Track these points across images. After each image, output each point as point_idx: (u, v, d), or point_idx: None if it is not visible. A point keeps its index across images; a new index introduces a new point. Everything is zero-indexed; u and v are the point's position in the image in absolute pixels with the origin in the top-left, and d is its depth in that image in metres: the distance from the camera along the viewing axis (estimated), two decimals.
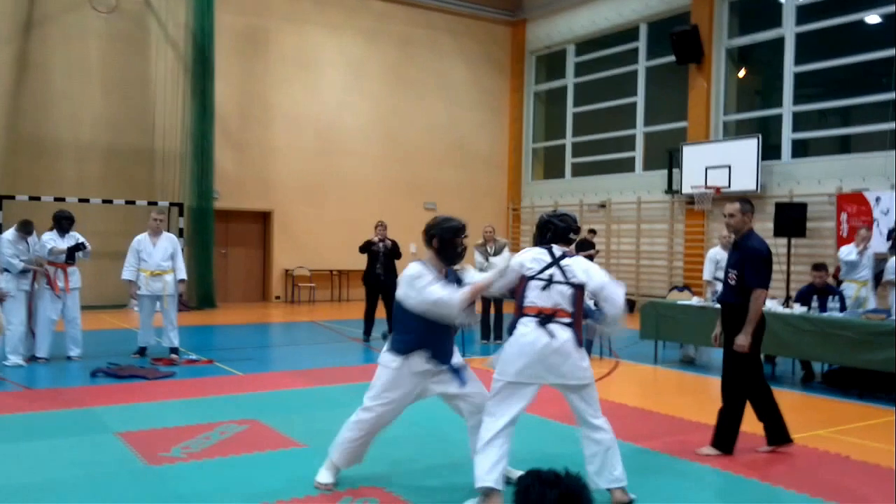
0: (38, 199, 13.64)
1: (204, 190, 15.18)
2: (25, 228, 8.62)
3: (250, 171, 16.32)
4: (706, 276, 9.90)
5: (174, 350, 9.05)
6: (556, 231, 4.47)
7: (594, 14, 17.86)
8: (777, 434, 5.54)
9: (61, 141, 14.41)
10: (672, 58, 15.47)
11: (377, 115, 17.96)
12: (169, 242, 9.21)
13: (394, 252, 11.15)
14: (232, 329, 12.75)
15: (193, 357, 9.10)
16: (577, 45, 18.59)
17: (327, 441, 4.71)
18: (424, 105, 18.56)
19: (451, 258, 4.46)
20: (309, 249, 16.83)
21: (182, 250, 9.59)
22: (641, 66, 16.94)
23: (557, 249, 4.41)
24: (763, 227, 13.60)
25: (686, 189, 15.01)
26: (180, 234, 14.52)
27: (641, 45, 16.94)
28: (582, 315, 4.37)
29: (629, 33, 17.20)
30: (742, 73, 15.62)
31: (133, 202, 14.62)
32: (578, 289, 4.33)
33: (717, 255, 9.64)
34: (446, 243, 4.41)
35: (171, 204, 14.96)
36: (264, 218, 16.89)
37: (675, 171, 15.47)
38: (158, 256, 9.04)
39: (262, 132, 16.50)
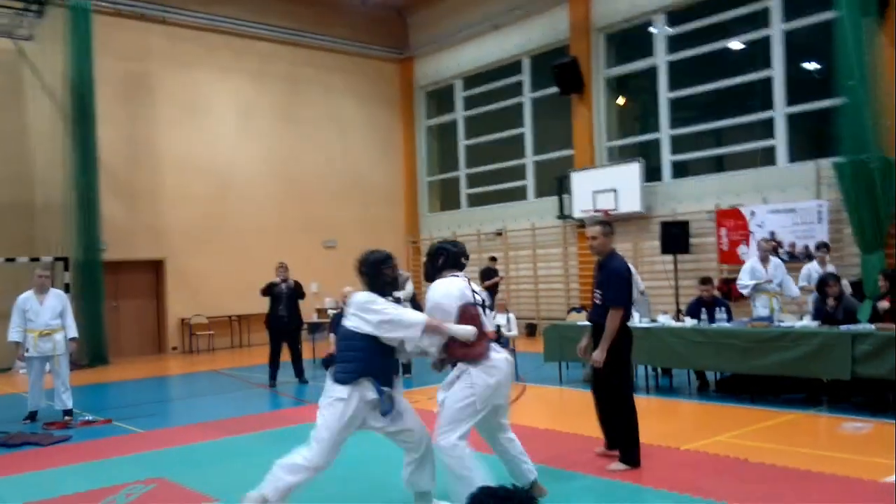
0: None
1: (90, 242, 14.55)
2: None
3: (140, 220, 15.79)
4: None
5: (68, 412, 8.60)
6: (449, 256, 4.63)
7: (478, 50, 18.41)
8: (614, 441, 5.84)
9: None
10: (555, 89, 16.11)
11: (270, 155, 17.79)
12: (57, 300, 8.79)
13: (297, 292, 11.04)
14: (129, 385, 12.21)
15: (90, 418, 8.65)
16: (465, 79, 19.08)
17: (241, 493, 4.61)
18: (318, 143, 18.53)
19: (379, 288, 4.49)
20: (205, 296, 16.36)
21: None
22: (527, 97, 17.55)
23: (461, 275, 4.62)
24: (650, 245, 14.33)
25: (577, 213, 15.57)
26: (67, 289, 13.81)
27: (525, 77, 17.57)
28: None
29: (513, 67, 17.82)
30: (621, 101, 16.43)
31: (14, 259, 13.85)
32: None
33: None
34: (373, 275, 4.49)
35: (56, 258, 14.26)
36: (157, 267, 16.33)
37: (565, 196, 16.04)
38: (46, 315, 8.61)
39: (150, 178, 16.02)
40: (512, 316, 10.54)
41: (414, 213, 20.10)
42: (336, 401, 4.36)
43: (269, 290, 10.99)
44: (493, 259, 16.28)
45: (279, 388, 10.63)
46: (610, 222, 6.05)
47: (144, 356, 15.82)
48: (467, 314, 4.44)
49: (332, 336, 7.33)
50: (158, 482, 5.81)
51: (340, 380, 4.40)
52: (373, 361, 4.37)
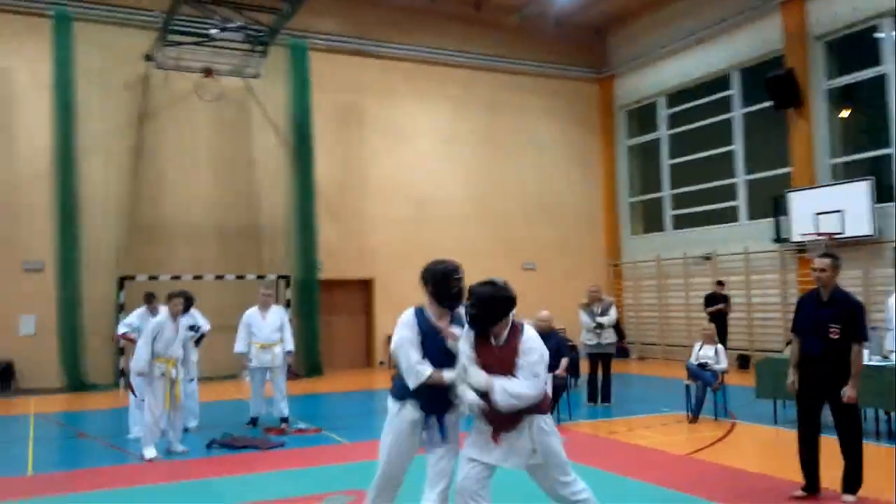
0: (157, 278, 14.42)
1: (308, 262, 15.69)
2: (149, 300, 9.16)
3: (351, 242, 16.78)
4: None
5: (284, 420, 9.25)
6: (509, 305, 4.12)
7: (683, 65, 17.71)
8: (816, 483, 5.76)
9: (175, 223, 15.29)
10: (769, 103, 15.08)
11: (469, 178, 18.22)
12: (277, 315, 9.54)
13: None
14: (338, 396, 12.95)
15: (303, 426, 9.26)
16: (668, 96, 18.42)
17: None
18: (516, 166, 18.71)
19: (444, 300, 4.32)
20: None
21: (290, 321, 9.87)
22: (737, 113, 16.58)
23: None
24: (883, 273, 12.92)
25: (796, 237, 14.39)
26: (287, 305, 14.98)
27: (735, 92, 16.62)
28: None
29: (721, 81, 16.94)
30: (846, 114, 15.03)
31: (243, 277, 15.25)
32: None
33: None
34: (438, 286, 4.29)
35: (279, 276, 15.53)
36: (366, 286, 17.24)
37: (782, 218, 14.89)
38: (268, 329, 9.36)
39: (360, 203, 17.01)
40: (720, 347, 9.85)
41: (615, 235, 19.63)
42: (388, 416, 4.30)
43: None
44: (721, 283, 15.34)
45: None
46: (838, 256, 5.88)
47: (354, 369, 16.71)
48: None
49: None
50: (357, 494, 6.02)
51: (393, 395, 4.33)
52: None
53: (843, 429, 5.66)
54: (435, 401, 4.22)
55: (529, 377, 3.92)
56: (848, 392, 5.52)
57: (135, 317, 9.22)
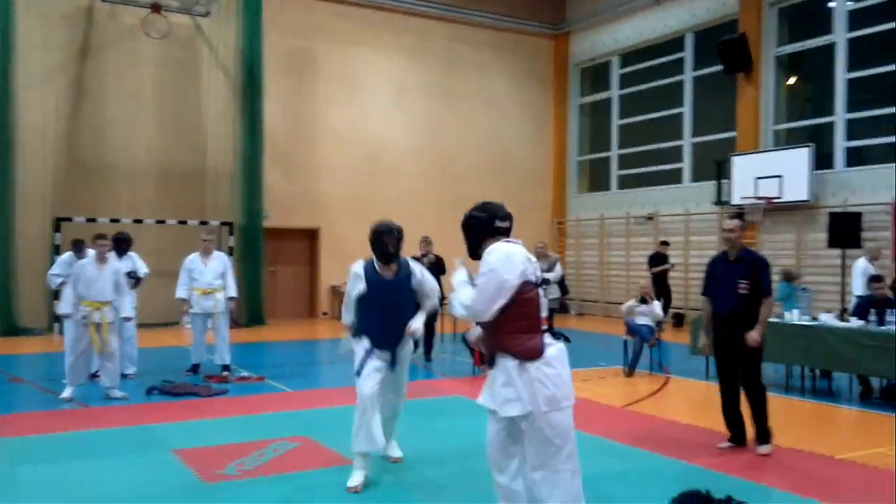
0: (95, 220, 14.03)
1: (253, 209, 15.44)
2: (77, 248, 8.89)
3: (298, 189, 16.56)
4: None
5: (226, 367, 9.21)
6: (480, 224, 3.83)
7: (639, 25, 17.76)
8: (741, 434, 6.07)
9: (116, 164, 14.84)
10: (719, 67, 15.27)
11: (422, 131, 18.09)
12: (219, 261, 9.41)
13: (438, 267, 11.12)
14: (282, 346, 12.92)
15: (245, 374, 9.24)
16: (622, 56, 18.48)
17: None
18: (468, 120, 18.63)
19: (379, 257, 5.06)
20: None
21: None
22: (688, 76, 16.76)
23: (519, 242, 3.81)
24: (816, 237, 13.37)
25: (736, 200, 14.74)
26: (230, 252, 14.76)
27: (688, 54, 16.77)
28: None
29: (675, 43, 17.05)
30: (792, 81, 15.33)
31: (185, 222, 14.94)
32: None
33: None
34: (372, 244, 5.03)
35: (222, 223, 15.26)
36: (312, 235, 17.10)
37: (724, 181, 15.23)
38: (210, 275, 9.24)
39: (310, 151, 16.74)
40: (657, 301, 10.16)
41: (561, 193, 19.81)
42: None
43: None
44: (665, 244, 15.69)
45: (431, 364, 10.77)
46: (746, 218, 6.20)
47: (297, 319, 16.67)
48: (525, 295, 3.63)
49: None
50: (302, 440, 6.11)
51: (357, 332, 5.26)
52: (365, 324, 5.18)
53: (746, 381, 5.95)
54: (385, 338, 5.14)
55: (473, 288, 3.66)
56: (752, 334, 5.74)
57: (60, 266, 8.98)
